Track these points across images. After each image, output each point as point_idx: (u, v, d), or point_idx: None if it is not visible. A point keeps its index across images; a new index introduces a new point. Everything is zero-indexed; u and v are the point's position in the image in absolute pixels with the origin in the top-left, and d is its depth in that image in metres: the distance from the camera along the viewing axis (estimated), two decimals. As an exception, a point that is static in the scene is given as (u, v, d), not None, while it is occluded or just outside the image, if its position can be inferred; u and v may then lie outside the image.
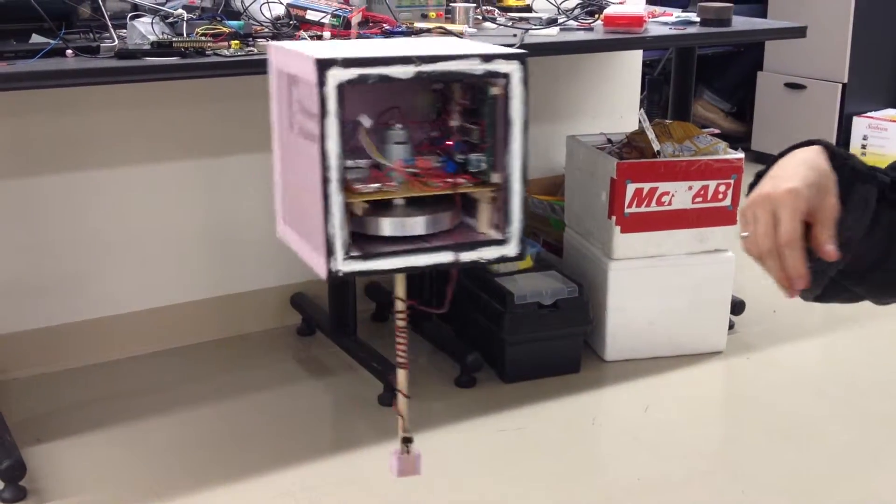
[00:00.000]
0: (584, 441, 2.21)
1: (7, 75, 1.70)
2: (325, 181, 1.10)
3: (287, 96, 1.24)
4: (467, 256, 1.18)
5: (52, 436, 2.15)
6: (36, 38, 1.92)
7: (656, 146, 2.46)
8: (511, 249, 1.20)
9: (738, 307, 2.75)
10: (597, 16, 2.44)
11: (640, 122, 2.58)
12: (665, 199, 2.44)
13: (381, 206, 1.19)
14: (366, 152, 1.20)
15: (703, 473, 2.07)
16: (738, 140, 4.29)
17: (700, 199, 2.46)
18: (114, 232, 2.49)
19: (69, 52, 1.84)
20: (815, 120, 4.23)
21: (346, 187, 1.13)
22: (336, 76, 1.07)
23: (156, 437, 2.17)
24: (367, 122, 1.19)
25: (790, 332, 2.74)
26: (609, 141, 2.64)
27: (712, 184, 2.46)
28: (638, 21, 2.34)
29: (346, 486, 2.02)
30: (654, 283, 2.49)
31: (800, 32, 2.64)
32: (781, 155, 1.04)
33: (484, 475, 2.06)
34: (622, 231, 2.44)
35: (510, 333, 2.37)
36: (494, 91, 1.16)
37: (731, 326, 2.67)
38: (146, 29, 1.91)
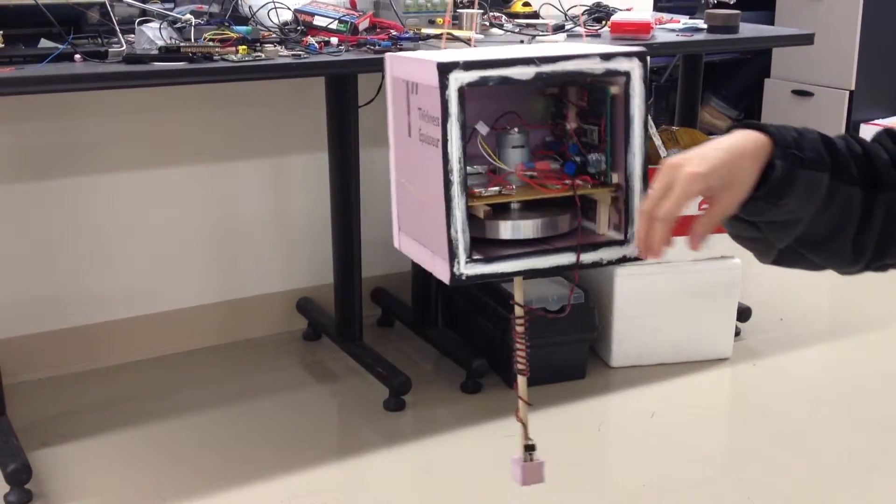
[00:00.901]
0: (589, 447, 2.21)
1: (16, 79, 1.71)
2: (448, 184, 1.11)
3: (405, 104, 1.26)
4: (588, 258, 1.19)
5: (58, 439, 2.15)
6: (44, 43, 1.92)
7: (663, 153, 2.46)
8: (632, 250, 1.20)
9: (744, 314, 2.74)
10: (604, 22, 2.44)
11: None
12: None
13: (499, 211, 1.20)
14: (482, 158, 1.22)
15: (709, 480, 2.07)
16: (745, 147, 4.28)
17: (706, 206, 2.45)
18: (120, 236, 2.49)
19: (77, 56, 1.84)
20: (822, 127, 4.15)
21: (468, 191, 1.14)
22: (458, 79, 1.09)
23: (161, 441, 2.17)
24: (483, 129, 1.21)
25: (797, 339, 2.74)
26: (616, 147, 2.63)
27: (719, 190, 2.45)
28: (645, 28, 2.34)
29: (352, 490, 2.02)
30: (660, 289, 2.49)
31: (807, 40, 2.64)
32: (728, 131, 1.06)
33: (489, 480, 2.06)
34: (628, 237, 2.43)
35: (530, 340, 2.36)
36: (614, 90, 1.17)
37: (738, 333, 2.66)
38: (154, 34, 1.91)
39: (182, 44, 1.90)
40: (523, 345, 1.31)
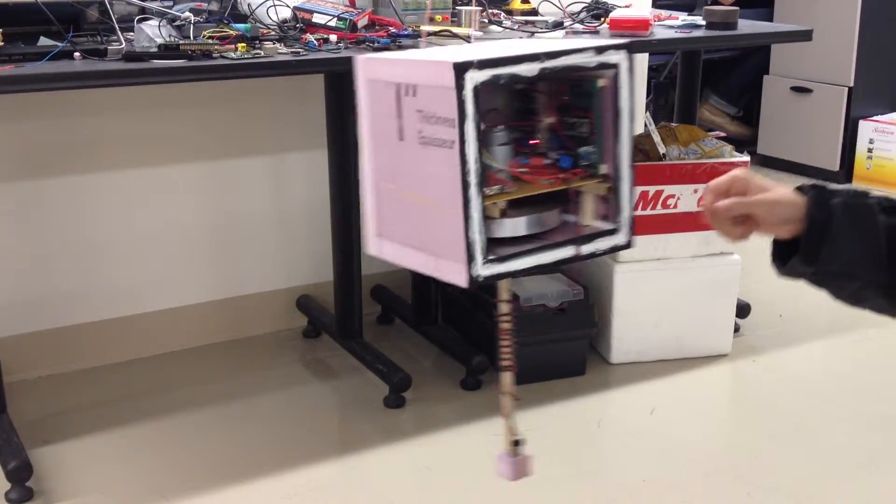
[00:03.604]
0: (589, 443, 2.21)
1: (15, 77, 1.71)
2: (466, 185, 1.11)
3: (395, 107, 1.26)
4: (587, 249, 1.21)
5: (60, 437, 2.16)
6: (44, 41, 1.93)
7: (662, 149, 2.46)
8: (622, 238, 1.22)
9: (743, 310, 2.74)
10: (602, 19, 2.44)
11: (645, 125, 2.58)
12: (671, 201, 2.44)
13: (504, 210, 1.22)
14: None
15: (708, 475, 2.07)
16: (744, 144, 4.29)
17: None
18: (120, 234, 2.49)
19: (77, 54, 1.85)
20: (821, 124, 4.23)
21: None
22: (473, 78, 1.09)
23: (162, 438, 2.17)
24: (480, 126, 1.23)
25: (796, 335, 2.74)
26: (615, 144, 2.63)
27: (718, 187, 2.45)
28: (644, 24, 2.34)
29: (353, 487, 2.02)
30: (659, 286, 2.50)
31: (806, 36, 2.64)
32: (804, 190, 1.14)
33: (489, 477, 2.05)
34: (628, 234, 2.44)
35: (515, 336, 2.36)
36: (601, 83, 1.18)
37: (737, 330, 2.66)
38: (153, 32, 1.91)
39: (181, 41, 1.90)
40: (509, 341, 1.32)
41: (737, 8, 2.54)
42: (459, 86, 1.09)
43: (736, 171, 1.16)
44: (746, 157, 2.53)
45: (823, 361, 2.66)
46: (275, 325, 2.73)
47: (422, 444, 2.17)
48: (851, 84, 4.11)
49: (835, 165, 4.21)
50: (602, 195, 1.22)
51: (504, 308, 1.28)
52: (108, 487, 2.00)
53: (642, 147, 2.54)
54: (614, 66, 1.17)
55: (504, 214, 1.20)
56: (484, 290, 2.48)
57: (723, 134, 2.77)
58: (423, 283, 2.66)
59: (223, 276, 2.66)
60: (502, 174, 1.21)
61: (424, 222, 1.21)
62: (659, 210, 2.44)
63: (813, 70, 4.22)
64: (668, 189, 2.43)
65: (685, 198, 2.44)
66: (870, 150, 4.15)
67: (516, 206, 1.22)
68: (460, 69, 1.08)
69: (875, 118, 4.15)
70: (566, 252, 1.19)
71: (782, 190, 1.14)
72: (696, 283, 2.51)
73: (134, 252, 2.52)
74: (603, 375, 2.48)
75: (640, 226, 2.58)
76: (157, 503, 1.94)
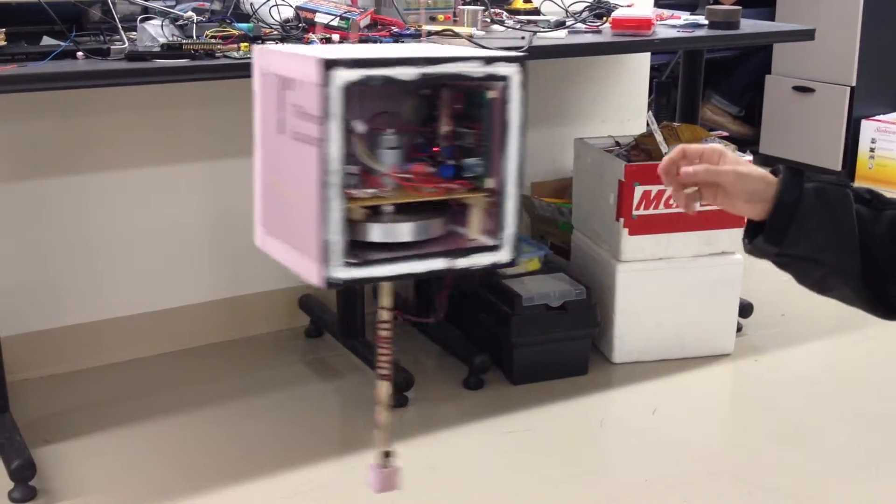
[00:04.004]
0: (591, 443, 2.21)
1: (18, 77, 1.71)
2: (325, 185, 1.07)
3: (277, 99, 1.23)
4: (461, 263, 1.16)
5: (62, 436, 2.16)
6: (47, 41, 1.93)
7: (664, 148, 2.46)
8: (504, 255, 1.18)
9: (746, 310, 2.74)
10: (605, 18, 2.44)
11: (648, 124, 2.58)
12: (673, 201, 2.43)
13: (372, 213, 1.17)
14: (356, 158, 1.18)
15: (711, 475, 2.07)
16: (746, 143, 4.29)
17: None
18: (122, 233, 2.49)
19: (80, 54, 1.85)
20: (823, 123, 4.23)
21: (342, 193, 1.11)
22: (342, 77, 1.06)
23: (164, 438, 2.17)
24: (360, 127, 1.17)
25: (798, 335, 2.74)
26: (617, 143, 2.64)
27: (720, 186, 2.45)
28: (646, 24, 2.34)
29: (355, 487, 2.02)
30: (662, 285, 2.49)
31: (808, 35, 2.64)
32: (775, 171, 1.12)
33: (492, 476, 2.06)
34: (630, 233, 2.44)
35: (518, 335, 2.37)
36: (491, 94, 1.15)
37: (739, 329, 2.66)
38: (156, 31, 1.91)
39: (184, 41, 1.90)
40: (388, 350, 1.27)
41: (739, 7, 2.54)
42: (325, 83, 1.05)
43: (714, 144, 1.15)
44: (749, 157, 2.52)
45: (826, 361, 2.66)
46: (277, 324, 2.73)
47: (424, 444, 2.17)
48: (853, 84, 4.11)
49: (837, 165, 4.21)
50: (488, 210, 1.18)
51: (384, 315, 1.25)
52: (111, 486, 2.00)
53: (645, 147, 2.54)
54: (504, 78, 1.13)
55: (378, 219, 1.16)
56: (486, 289, 2.48)
57: (725, 133, 2.77)
58: (425, 283, 2.67)
59: (225, 276, 2.66)
60: (387, 179, 1.18)
61: (294, 218, 1.17)
62: (661, 210, 2.44)
63: (815, 70, 4.22)
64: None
65: (687, 197, 2.44)
66: (872, 150, 4.15)
67: (402, 212, 1.18)
68: (327, 66, 1.05)
69: (877, 118, 4.15)
70: (439, 264, 1.15)
71: (757, 167, 1.11)
72: (698, 282, 2.51)
73: (136, 251, 2.52)
74: (605, 375, 2.48)
75: (643, 225, 2.60)
76: (160, 502, 1.94)
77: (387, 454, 1.31)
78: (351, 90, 1.07)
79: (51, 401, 2.33)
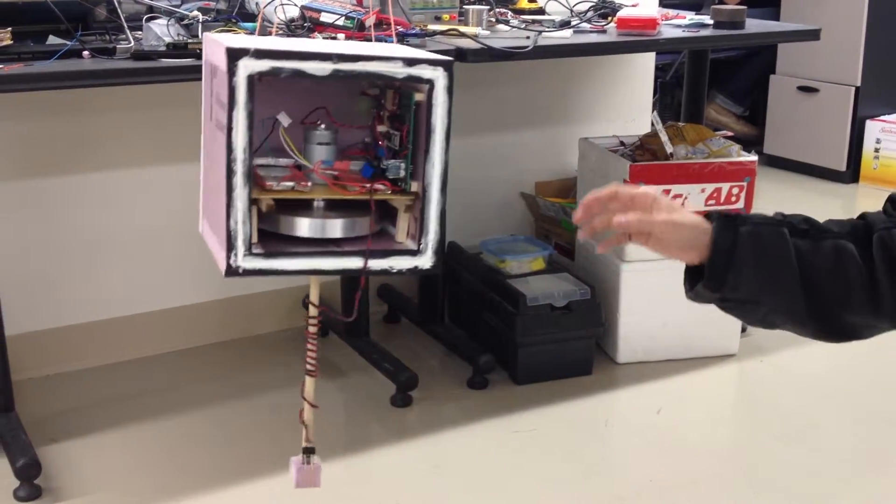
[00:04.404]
0: (596, 443, 2.21)
1: (24, 76, 1.71)
2: (230, 173, 1.07)
3: (208, 87, 1.22)
4: (378, 264, 1.16)
5: (67, 435, 2.16)
6: (53, 40, 1.93)
7: (669, 148, 2.46)
8: (425, 261, 1.17)
9: (750, 310, 2.74)
10: (610, 18, 2.44)
11: (652, 124, 2.58)
12: (678, 201, 2.44)
13: (301, 207, 1.16)
14: (286, 150, 1.18)
15: (716, 475, 2.07)
16: (751, 143, 4.29)
17: (713, 202, 2.46)
18: (126, 232, 2.50)
19: (85, 53, 1.85)
20: (827, 124, 4.22)
21: (258, 183, 1.10)
22: (247, 66, 1.05)
23: (169, 437, 2.18)
24: (285, 120, 1.17)
25: (803, 335, 2.73)
26: (622, 143, 2.64)
27: (725, 186, 2.45)
28: (651, 23, 2.34)
29: (360, 486, 2.02)
30: (666, 285, 2.47)
31: (813, 35, 2.64)
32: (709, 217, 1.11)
33: (496, 476, 2.06)
34: (635, 233, 2.43)
35: (522, 335, 2.37)
36: (418, 97, 1.13)
37: (744, 329, 2.66)
38: (161, 30, 1.92)
39: (189, 40, 1.90)
40: (314, 346, 1.27)
41: (744, 7, 2.54)
42: (231, 71, 1.05)
43: (646, 188, 1.12)
44: (754, 157, 2.52)
45: (831, 361, 2.65)
46: (281, 323, 2.74)
47: (429, 443, 2.17)
48: (858, 84, 4.11)
49: (841, 165, 4.21)
50: (415, 214, 1.18)
51: (312, 311, 1.24)
52: (116, 485, 2.00)
53: (650, 147, 2.54)
54: (429, 81, 1.11)
55: (308, 213, 1.16)
56: (491, 288, 2.48)
57: (730, 133, 2.77)
58: (429, 283, 2.67)
59: (230, 275, 2.66)
60: (312, 174, 1.18)
61: (215, 205, 1.17)
62: (666, 209, 2.43)
63: (819, 69, 4.22)
64: (676, 188, 2.42)
65: (692, 197, 2.44)
66: (876, 150, 4.15)
67: (332, 209, 1.17)
68: (233, 55, 1.05)
69: (882, 118, 4.15)
70: (353, 263, 1.15)
71: (690, 214, 1.09)
72: (703, 282, 2.50)
73: (140, 250, 2.52)
74: (610, 375, 2.48)
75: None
76: (165, 501, 1.94)
77: (308, 450, 1.31)
78: (285, 82, 1.06)
79: (56, 399, 2.33)
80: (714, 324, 2.55)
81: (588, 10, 2.48)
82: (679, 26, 2.52)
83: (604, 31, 2.39)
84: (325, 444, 2.15)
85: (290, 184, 1.15)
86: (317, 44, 1.22)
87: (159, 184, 2.51)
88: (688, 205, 2.44)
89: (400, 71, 1.10)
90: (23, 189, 2.35)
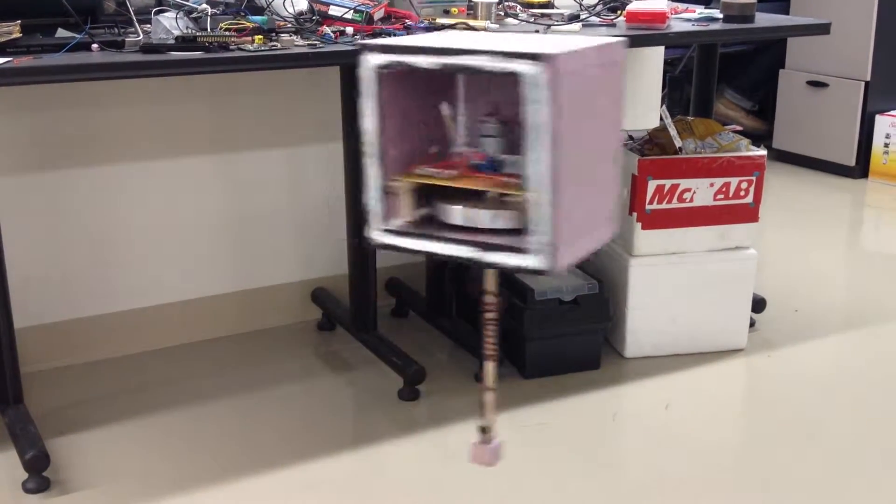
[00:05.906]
0: (603, 437, 2.21)
1: (34, 69, 1.72)
2: (363, 155, 1.19)
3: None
4: (489, 258, 1.19)
5: (76, 427, 2.17)
6: (62, 33, 1.94)
7: (678, 143, 2.46)
8: (537, 262, 1.17)
9: (759, 305, 2.74)
10: (619, 12, 2.44)
11: (661, 118, 2.57)
12: (686, 195, 2.43)
13: (459, 196, 1.23)
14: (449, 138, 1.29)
15: (724, 471, 2.07)
16: (760, 138, 4.27)
17: (722, 196, 2.45)
18: (136, 226, 2.50)
19: (94, 46, 1.85)
20: (837, 118, 4.21)
21: (407, 169, 1.21)
22: (371, 60, 1.17)
23: (178, 430, 2.18)
24: (446, 109, 1.26)
25: (811, 330, 2.73)
26: (630, 137, 2.63)
27: (734, 181, 2.45)
28: (660, 17, 2.33)
29: (368, 479, 2.03)
30: (674, 280, 2.49)
31: (823, 29, 2.63)
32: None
33: (503, 470, 2.06)
34: (643, 228, 2.43)
35: (530, 329, 2.37)
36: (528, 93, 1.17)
37: (753, 324, 2.66)
38: (170, 24, 1.92)
39: (198, 33, 1.90)
40: (493, 331, 1.34)
41: (754, 1, 2.53)
42: (362, 65, 1.19)
43: None
44: (763, 152, 2.52)
45: (839, 357, 2.65)
46: (290, 317, 2.74)
47: (436, 437, 2.17)
48: (868, 78, 4.09)
49: (851, 160, 4.20)
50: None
51: (489, 298, 1.34)
52: (125, 477, 2.01)
53: (658, 141, 2.53)
54: (526, 76, 1.11)
55: (448, 201, 1.23)
56: (501, 283, 2.47)
57: (739, 128, 2.76)
58: (437, 276, 2.67)
59: (239, 268, 2.67)
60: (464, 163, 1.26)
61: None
62: (675, 204, 2.43)
63: (829, 64, 4.20)
64: (685, 183, 2.42)
65: (701, 191, 2.43)
66: (886, 146, 4.13)
67: (486, 201, 1.24)
68: (363, 51, 1.19)
69: (892, 113, 4.13)
70: (465, 252, 1.20)
71: None
72: (711, 277, 2.50)
73: (150, 243, 2.53)
74: (617, 369, 2.48)
75: (656, 220, 2.59)
76: (174, 493, 1.95)
77: (483, 429, 1.37)
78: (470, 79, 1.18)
79: (65, 392, 2.34)
80: (722, 319, 2.55)
81: (597, 4, 2.47)
82: (689, 20, 2.51)
83: (613, 25, 2.39)
84: (332, 438, 2.16)
85: (436, 171, 1.23)
86: (426, 39, 1.28)
87: (168, 178, 2.52)
88: (696, 199, 2.44)
89: (498, 65, 1.12)
90: (31, 182, 2.36)
